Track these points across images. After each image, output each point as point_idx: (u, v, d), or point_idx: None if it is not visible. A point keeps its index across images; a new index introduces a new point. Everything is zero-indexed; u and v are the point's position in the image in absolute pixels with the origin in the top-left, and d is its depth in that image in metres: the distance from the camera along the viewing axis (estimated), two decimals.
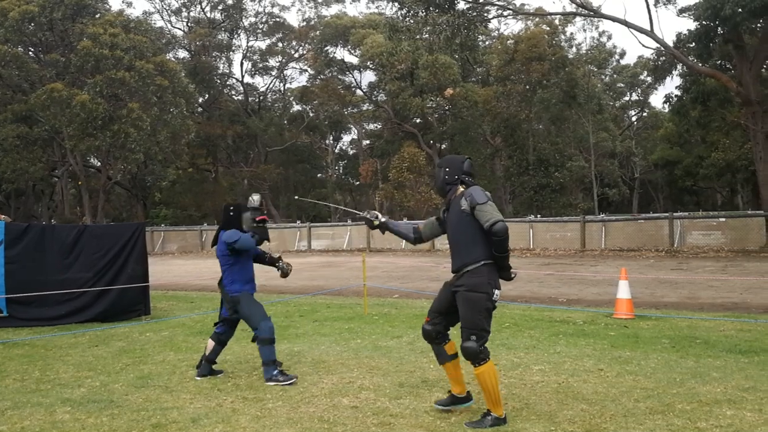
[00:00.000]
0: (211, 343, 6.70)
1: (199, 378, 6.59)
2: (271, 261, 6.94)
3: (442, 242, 29.88)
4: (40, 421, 5.22)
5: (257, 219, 6.55)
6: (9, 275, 10.40)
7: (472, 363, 4.82)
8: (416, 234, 5.46)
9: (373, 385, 6.04)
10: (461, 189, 5.02)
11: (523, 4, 42.95)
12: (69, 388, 6.26)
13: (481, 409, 5.04)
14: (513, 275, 5.06)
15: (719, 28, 25.31)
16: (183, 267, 25.35)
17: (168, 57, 43.86)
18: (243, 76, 56.23)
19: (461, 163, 5.16)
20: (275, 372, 6.26)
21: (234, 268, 6.53)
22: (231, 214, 6.59)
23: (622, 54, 54.07)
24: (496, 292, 4.90)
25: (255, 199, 6.71)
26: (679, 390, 5.66)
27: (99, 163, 43.34)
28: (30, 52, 39.61)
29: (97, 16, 38.85)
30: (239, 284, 6.50)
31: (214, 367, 6.74)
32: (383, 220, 5.49)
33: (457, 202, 4.97)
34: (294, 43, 54.64)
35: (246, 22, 53.12)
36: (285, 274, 6.98)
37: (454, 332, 5.15)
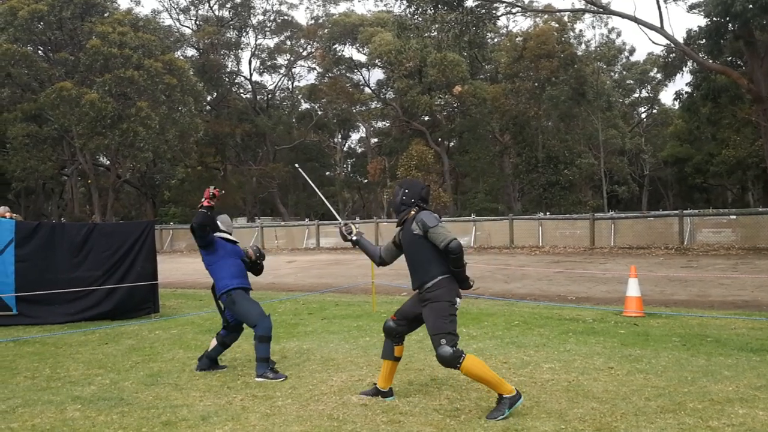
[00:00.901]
0: (214, 342, 6.79)
1: (198, 371, 6.69)
2: (250, 261, 6.96)
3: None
4: (51, 419, 5.23)
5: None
6: (19, 273, 10.45)
7: (453, 367, 5.03)
8: (381, 258, 5.77)
9: None
10: (412, 212, 5.31)
11: (531, 1, 42.77)
12: (79, 386, 6.28)
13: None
14: (471, 284, 5.33)
15: (730, 25, 25.14)
16: (191, 265, 25.38)
17: (176, 55, 43.97)
18: (251, 74, 56.40)
19: (420, 188, 5.49)
20: (267, 369, 6.33)
21: (215, 266, 6.61)
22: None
23: (632, 51, 53.79)
24: (458, 300, 5.21)
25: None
26: (690, 388, 5.63)
27: (108, 162, 43.51)
28: (39, 51, 39.78)
29: (105, 14, 38.99)
30: (227, 279, 6.54)
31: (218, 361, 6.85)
32: (355, 238, 5.78)
33: (410, 226, 5.28)
34: (302, 41, 54.67)
35: (254, 20, 53.27)
36: (252, 258, 6.92)
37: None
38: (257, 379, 6.28)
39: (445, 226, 5.20)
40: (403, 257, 5.53)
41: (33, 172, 38.20)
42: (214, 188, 6.68)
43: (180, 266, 24.41)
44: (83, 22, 37.44)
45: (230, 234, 6.88)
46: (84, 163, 39.95)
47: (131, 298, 11.05)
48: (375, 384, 5.67)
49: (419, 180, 5.83)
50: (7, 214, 11.97)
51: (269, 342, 6.41)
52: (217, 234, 6.73)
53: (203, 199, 6.54)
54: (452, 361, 4.98)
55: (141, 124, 35.16)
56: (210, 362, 6.78)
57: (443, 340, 5.00)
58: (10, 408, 5.56)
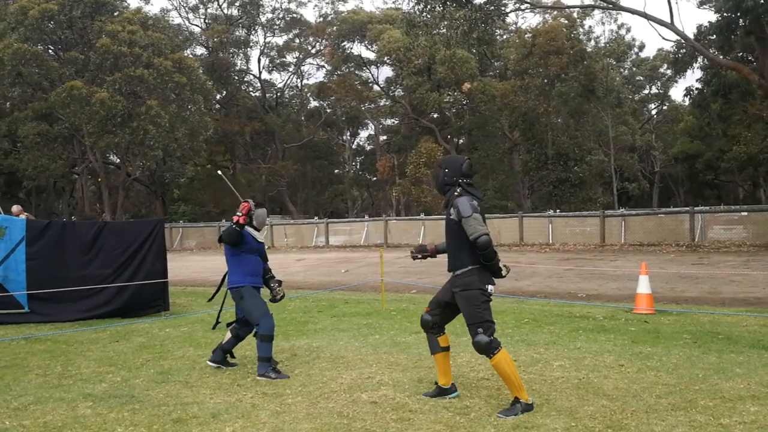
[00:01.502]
0: (228, 335, 6.83)
1: (211, 363, 6.73)
2: (267, 282, 6.94)
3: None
4: (63, 416, 5.26)
5: (234, 220, 6.52)
6: (30, 271, 10.52)
7: (486, 355, 5.03)
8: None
9: (392, 381, 6.03)
10: (456, 193, 5.19)
11: None
12: (90, 384, 6.31)
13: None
14: (505, 273, 5.29)
15: (741, 20, 24.97)
16: (201, 263, 25.50)
17: (186, 54, 44.06)
18: (260, 73, 56.57)
19: (460, 165, 5.31)
20: (269, 369, 6.33)
21: (235, 260, 6.62)
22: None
23: (642, 47, 53.46)
24: (489, 287, 5.16)
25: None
26: (701, 386, 5.60)
27: (118, 160, 43.69)
28: (50, 50, 39.95)
29: (115, 13, 39.10)
30: (241, 276, 6.58)
31: (229, 359, 6.85)
32: (427, 249, 5.79)
33: (449, 209, 5.22)
34: (311, 39, 54.66)
35: (263, 18, 53.30)
36: (274, 299, 6.89)
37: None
38: (258, 377, 6.29)
39: (479, 217, 5.07)
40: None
41: (44, 171, 38.42)
42: (250, 203, 6.66)
43: (190, 264, 24.50)
44: (93, 21, 37.57)
45: (260, 231, 6.79)
46: (94, 162, 40.15)
47: (141, 296, 11.10)
48: (436, 383, 5.57)
49: (459, 156, 5.69)
50: (23, 214, 12.07)
51: (271, 341, 6.42)
52: (247, 228, 6.66)
53: (239, 214, 6.46)
54: (488, 349, 5.00)
55: (151, 122, 35.27)
56: (223, 355, 6.80)
57: (480, 329, 5.02)
58: (22, 405, 5.60)
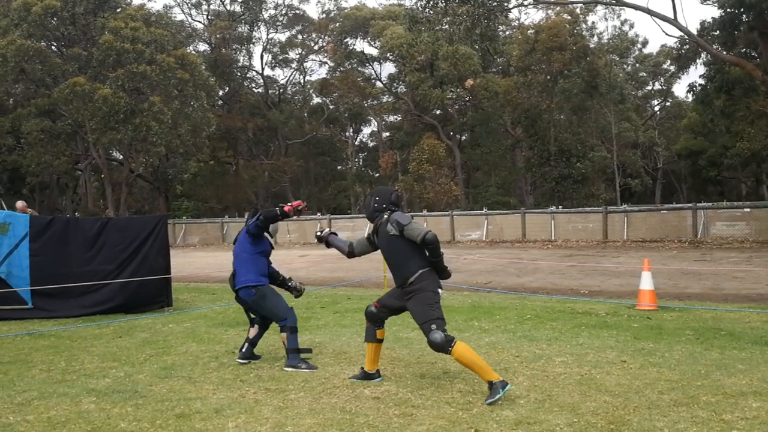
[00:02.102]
0: (255, 328, 6.87)
1: (241, 360, 6.75)
2: (282, 282, 7.15)
3: (462, 233, 29.83)
4: (66, 411, 5.28)
5: (285, 209, 6.63)
6: (34, 267, 10.54)
7: (444, 352, 5.31)
8: (350, 249, 6.17)
9: (394, 376, 6.05)
10: (385, 216, 5.70)
11: None
12: (94, 379, 6.34)
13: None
14: (449, 274, 5.71)
15: (744, 16, 24.91)
16: (204, 259, 25.53)
17: (188, 50, 44.06)
18: (263, 69, 56.41)
19: (389, 194, 5.89)
20: (299, 360, 6.50)
21: (250, 258, 6.70)
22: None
23: (645, 43, 53.29)
24: (440, 290, 5.58)
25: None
26: (703, 382, 5.60)
27: (121, 157, 43.74)
28: (53, 47, 39.98)
29: (118, 10, 39.12)
30: (257, 275, 6.67)
31: (255, 351, 6.93)
32: (322, 234, 6.29)
33: (385, 228, 5.66)
34: (314, 35, 54.62)
35: (266, 15, 53.24)
36: (300, 293, 7.31)
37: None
38: (286, 368, 6.41)
39: (418, 222, 5.61)
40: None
41: (47, 167, 38.46)
42: (305, 206, 6.85)
43: (193, 260, 24.54)
44: (96, 18, 37.58)
45: (273, 235, 6.99)
46: (97, 158, 40.20)
47: (145, 292, 11.11)
48: (362, 368, 6.01)
49: (388, 187, 6.43)
50: (27, 210, 12.09)
51: (296, 333, 6.61)
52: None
53: (289, 204, 6.66)
54: (443, 345, 5.26)
55: (154, 118, 35.31)
56: (252, 350, 6.86)
57: (433, 326, 5.32)
58: (26, 400, 5.62)
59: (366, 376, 5.93)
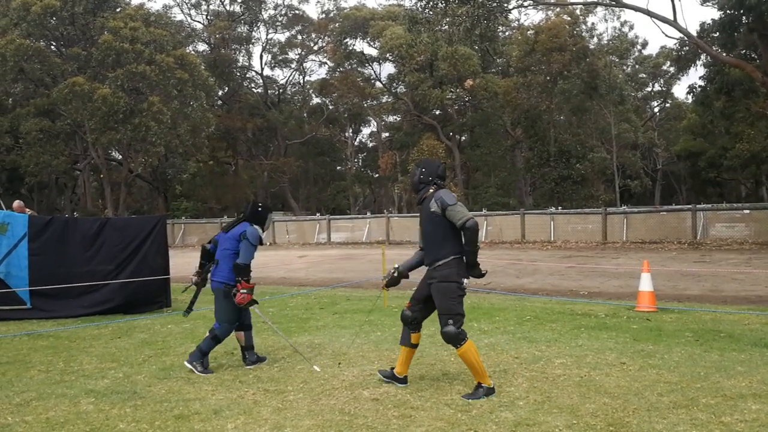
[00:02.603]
0: (240, 334, 6.79)
1: (250, 366, 6.65)
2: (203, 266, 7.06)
3: None
4: (65, 412, 5.28)
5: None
6: (33, 267, 10.53)
7: (453, 345, 5.38)
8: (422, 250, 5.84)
9: None
10: (431, 190, 5.54)
11: None
12: (93, 380, 6.33)
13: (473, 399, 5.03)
14: (484, 273, 5.49)
15: (744, 17, 24.92)
16: None
17: (188, 50, 44.08)
18: (262, 69, 56.49)
19: (437, 167, 5.71)
20: (200, 361, 6.43)
21: (231, 257, 6.53)
22: (259, 211, 6.75)
23: (645, 44, 53.32)
24: (464, 281, 5.42)
25: None
26: (703, 384, 5.60)
27: (120, 156, 43.74)
28: (52, 47, 39.96)
29: (117, 10, 39.13)
30: (230, 273, 6.49)
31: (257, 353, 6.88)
32: (398, 270, 5.93)
33: (428, 204, 5.48)
34: (313, 35, 54.63)
35: (265, 15, 53.26)
36: (189, 285, 7.15)
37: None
38: (186, 363, 6.43)
39: (463, 205, 5.37)
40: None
41: (46, 167, 38.44)
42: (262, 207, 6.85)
43: (192, 261, 24.42)
44: (95, 18, 37.58)
45: (264, 232, 6.82)
46: (96, 158, 40.19)
47: (143, 292, 11.10)
48: (392, 368, 5.88)
49: (436, 159, 6.18)
50: (25, 210, 12.07)
51: (217, 344, 6.54)
52: (258, 229, 6.68)
53: (241, 297, 6.42)
54: (455, 340, 5.32)
55: (153, 118, 35.30)
56: (254, 352, 6.80)
57: (450, 321, 5.32)
58: (24, 401, 5.61)
59: (393, 377, 5.80)
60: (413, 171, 5.79)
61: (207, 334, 6.59)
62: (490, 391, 5.33)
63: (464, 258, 5.40)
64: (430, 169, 5.67)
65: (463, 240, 5.35)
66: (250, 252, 6.49)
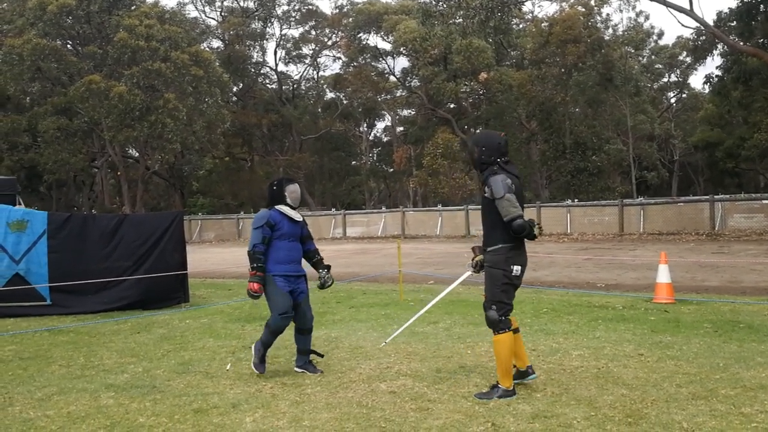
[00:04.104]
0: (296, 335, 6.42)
1: (298, 370, 6.27)
2: (315, 265, 6.54)
3: (477, 227, 29.76)
4: (86, 406, 5.33)
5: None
6: (52, 264, 10.63)
7: (493, 330, 5.19)
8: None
9: (410, 371, 6.04)
10: (494, 170, 5.18)
11: None
12: (113, 374, 6.38)
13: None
14: (537, 233, 5.30)
15: (761, 6, 24.67)
16: (220, 255, 25.65)
17: (202, 47, 44.28)
18: (277, 65, 56.72)
19: (497, 143, 5.28)
20: (259, 353, 6.11)
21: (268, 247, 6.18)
22: (274, 188, 6.29)
23: (660, 34, 53.06)
24: (515, 268, 5.16)
25: None
26: (722, 375, 5.56)
27: (137, 154, 44.08)
28: (68, 45, 40.30)
29: (132, 7, 39.38)
30: (270, 263, 6.10)
31: (316, 356, 6.43)
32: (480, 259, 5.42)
33: (484, 188, 5.19)
34: (327, 30, 54.69)
35: (279, 11, 53.40)
36: (323, 286, 6.46)
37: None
38: (252, 357, 6.13)
39: (512, 198, 5.01)
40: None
41: (64, 165, 38.81)
42: (285, 179, 6.38)
43: (209, 256, 24.66)
44: (111, 16, 37.83)
45: (294, 208, 6.26)
46: (113, 156, 40.51)
47: (161, 288, 11.15)
48: (517, 368, 5.40)
49: (495, 133, 5.55)
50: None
51: (274, 336, 6.12)
52: (280, 207, 6.19)
53: (251, 286, 6.04)
54: (495, 325, 5.14)
55: (169, 115, 35.52)
56: (305, 357, 6.33)
57: (494, 307, 5.16)
58: (45, 396, 5.68)
59: (519, 375, 5.38)
60: (470, 149, 5.39)
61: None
62: (507, 394, 5.08)
63: (516, 246, 5.12)
64: (491, 146, 5.25)
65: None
66: (254, 236, 6.12)
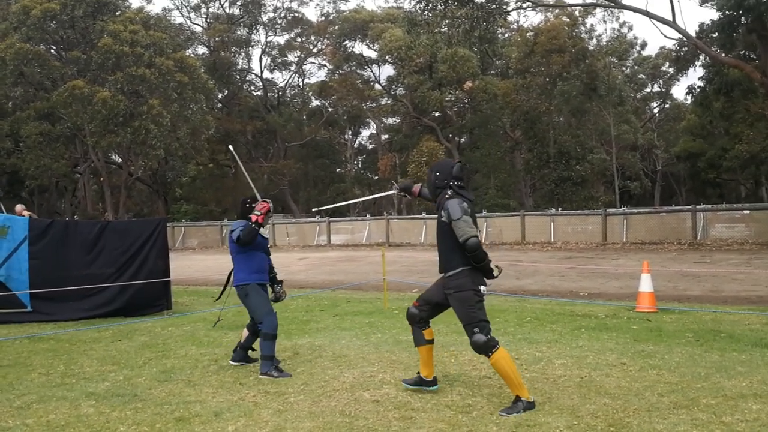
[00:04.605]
0: (245, 332, 6.85)
1: (233, 363, 6.79)
2: (271, 280, 6.97)
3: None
4: (66, 415, 5.28)
5: (252, 219, 6.41)
6: (33, 271, 10.54)
7: (485, 354, 5.08)
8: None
9: (394, 380, 6.03)
10: (448, 194, 5.27)
11: None
12: (93, 382, 6.33)
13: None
14: (496, 274, 5.31)
15: (743, 18, 24.90)
16: (203, 262, 25.52)
17: (187, 53, 44.10)
18: (262, 72, 56.50)
19: (451, 168, 5.41)
20: (271, 367, 6.34)
21: (239, 257, 6.59)
22: (247, 206, 6.69)
23: (644, 45, 53.35)
24: (482, 288, 5.20)
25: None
26: (703, 384, 5.60)
27: (120, 160, 43.75)
28: (52, 50, 39.98)
29: (117, 13, 39.15)
30: (246, 273, 6.55)
31: (250, 353, 6.91)
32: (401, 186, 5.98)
33: (439, 212, 5.28)
34: (312, 38, 54.67)
35: (265, 18, 53.29)
36: (277, 299, 6.97)
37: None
38: (261, 376, 6.28)
39: (468, 219, 5.10)
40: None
41: (46, 170, 38.45)
42: (269, 205, 6.63)
43: (192, 263, 24.52)
44: (95, 21, 37.60)
45: (265, 227, 6.68)
46: (96, 161, 40.21)
47: (144, 295, 11.09)
48: (418, 373, 5.64)
49: (450, 160, 5.86)
50: (25, 212, 12.08)
51: (274, 340, 6.44)
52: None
53: (258, 213, 6.40)
54: (486, 348, 5.05)
55: (152, 121, 35.32)
56: (244, 353, 6.86)
57: (476, 329, 5.08)
58: (25, 404, 5.61)
59: (420, 382, 5.57)
60: (428, 176, 5.57)
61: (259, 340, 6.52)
62: (530, 406, 4.97)
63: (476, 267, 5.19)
64: (445, 171, 5.38)
65: None
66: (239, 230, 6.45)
